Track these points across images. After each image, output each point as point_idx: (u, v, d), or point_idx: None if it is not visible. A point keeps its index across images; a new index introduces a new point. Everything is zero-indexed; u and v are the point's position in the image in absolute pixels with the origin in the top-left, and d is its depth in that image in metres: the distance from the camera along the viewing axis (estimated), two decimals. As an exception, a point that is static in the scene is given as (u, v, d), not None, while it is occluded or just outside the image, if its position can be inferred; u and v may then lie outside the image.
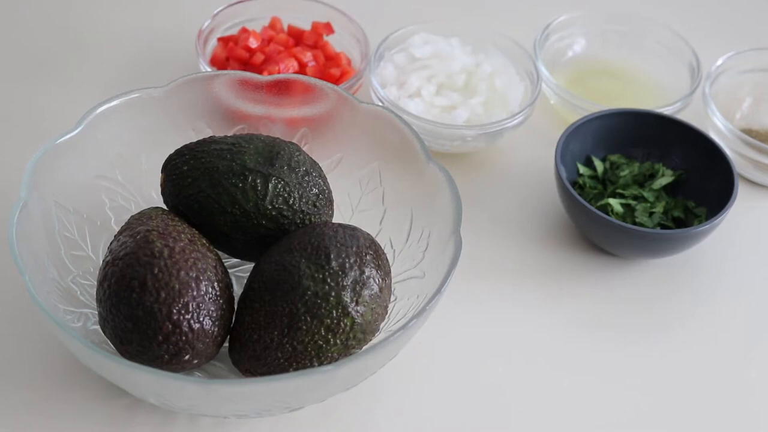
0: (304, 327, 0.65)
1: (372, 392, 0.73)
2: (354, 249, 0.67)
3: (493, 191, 0.91)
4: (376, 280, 0.66)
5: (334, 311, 0.65)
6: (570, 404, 0.75)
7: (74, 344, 0.63)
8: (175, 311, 0.63)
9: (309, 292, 0.65)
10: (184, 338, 0.64)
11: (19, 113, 0.92)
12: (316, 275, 0.65)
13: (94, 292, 0.68)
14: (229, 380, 0.69)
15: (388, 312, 0.70)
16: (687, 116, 0.92)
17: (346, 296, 0.65)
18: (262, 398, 0.64)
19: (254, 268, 0.69)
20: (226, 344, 0.68)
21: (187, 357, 0.64)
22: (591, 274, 0.85)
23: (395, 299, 0.72)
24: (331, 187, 0.74)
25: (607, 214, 0.84)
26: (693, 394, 0.77)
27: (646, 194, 0.86)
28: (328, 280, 0.65)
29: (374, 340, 0.68)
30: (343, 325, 0.65)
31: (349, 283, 0.65)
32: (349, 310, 0.65)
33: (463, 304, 0.79)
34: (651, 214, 0.85)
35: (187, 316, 0.64)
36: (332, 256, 0.66)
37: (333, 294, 0.65)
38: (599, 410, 0.75)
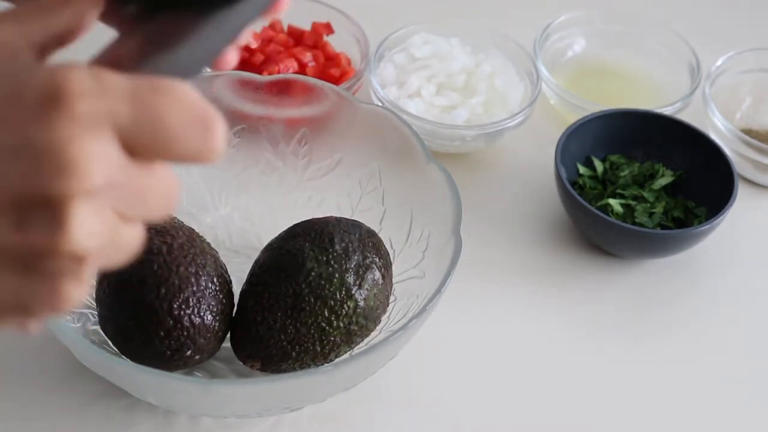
0: (307, 308, 0.65)
1: (372, 392, 0.73)
2: (357, 236, 0.68)
3: (493, 191, 0.90)
4: (378, 267, 0.67)
5: (338, 293, 0.65)
6: (570, 404, 0.75)
7: (74, 344, 0.62)
8: (175, 306, 0.63)
9: (313, 273, 0.65)
10: (185, 333, 0.64)
11: (19, 113, 0.91)
12: (320, 257, 0.66)
13: (94, 293, 0.68)
14: (229, 380, 0.69)
15: (388, 312, 0.70)
16: (687, 116, 0.92)
17: (350, 278, 0.65)
18: (262, 398, 0.64)
19: (256, 259, 0.70)
20: (227, 343, 0.68)
21: (189, 352, 0.64)
22: (591, 274, 0.85)
23: (395, 299, 0.72)
24: (331, 187, 0.74)
25: (607, 214, 0.84)
26: (693, 394, 0.77)
27: (646, 194, 0.86)
28: (332, 262, 0.66)
29: (374, 341, 0.68)
30: (346, 307, 0.65)
31: (352, 266, 0.66)
32: (353, 292, 0.65)
33: (463, 304, 0.79)
34: (651, 214, 0.85)
35: (188, 311, 0.64)
36: (336, 240, 0.67)
37: (336, 275, 0.65)
38: (599, 410, 0.75)
